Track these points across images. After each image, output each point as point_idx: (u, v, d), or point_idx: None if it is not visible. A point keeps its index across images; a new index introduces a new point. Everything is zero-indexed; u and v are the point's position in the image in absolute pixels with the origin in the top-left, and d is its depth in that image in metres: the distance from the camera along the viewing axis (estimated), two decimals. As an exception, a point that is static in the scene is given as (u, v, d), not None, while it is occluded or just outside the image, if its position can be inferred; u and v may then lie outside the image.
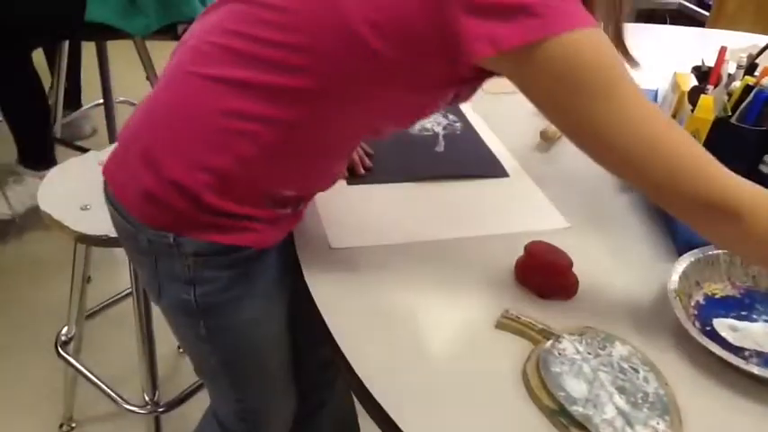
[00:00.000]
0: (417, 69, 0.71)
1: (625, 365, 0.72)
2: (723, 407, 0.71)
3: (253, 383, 0.96)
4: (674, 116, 1.02)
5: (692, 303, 0.84)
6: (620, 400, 0.67)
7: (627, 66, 0.72)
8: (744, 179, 0.71)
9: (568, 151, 1.17)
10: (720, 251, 0.87)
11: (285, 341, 0.96)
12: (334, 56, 0.70)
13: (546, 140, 1.16)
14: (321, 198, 0.95)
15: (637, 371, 0.71)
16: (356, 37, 0.68)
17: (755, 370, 0.71)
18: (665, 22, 3.21)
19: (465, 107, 1.25)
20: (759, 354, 0.77)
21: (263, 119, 0.73)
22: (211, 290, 0.83)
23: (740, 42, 1.08)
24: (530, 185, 1.07)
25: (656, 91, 1.14)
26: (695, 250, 0.87)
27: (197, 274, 0.81)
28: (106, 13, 1.78)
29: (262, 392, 0.98)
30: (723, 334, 0.79)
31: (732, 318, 0.82)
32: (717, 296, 0.86)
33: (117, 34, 1.84)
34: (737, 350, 0.77)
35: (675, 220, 0.88)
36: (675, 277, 0.83)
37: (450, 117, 1.20)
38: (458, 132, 1.16)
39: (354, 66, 0.70)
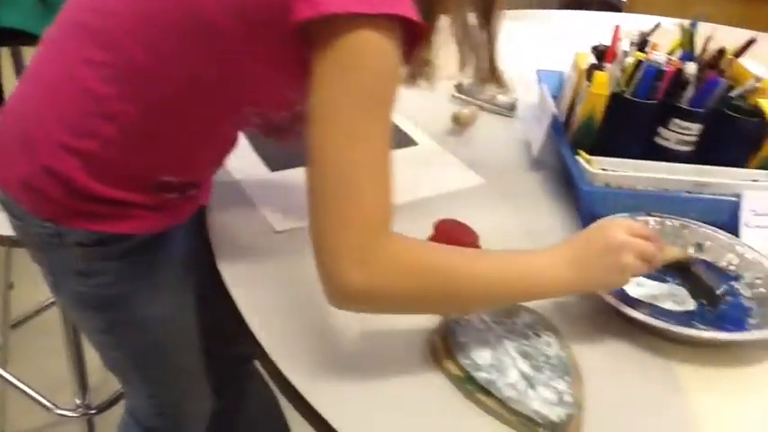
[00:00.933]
0: (255, 43, 0.68)
1: (529, 332, 0.75)
2: (620, 363, 0.76)
3: (164, 378, 0.95)
4: (575, 95, 1.06)
5: None
6: (523, 365, 0.71)
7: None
8: None
9: (482, 135, 1.22)
10: (650, 218, 0.92)
11: (196, 335, 0.96)
12: (174, 34, 0.69)
13: (459, 125, 1.19)
14: (249, 186, 0.97)
15: (539, 336, 0.75)
16: (193, 8, 0.67)
17: (639, 316, 0.77)
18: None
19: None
20: (651, 306, 0.82)
21: (120, 99, 0.72)
22: (105, 282, 0.82)
23: (649, 24, 1.13)
24: (439, 151, 1.11)
25: (561, 72, 1.19)
26: (623, 214, 0.90)
27: (87, 265, 0.80)
28: (19, 18, 1.73)
29: (175, 387, 0.97)
30: (625, 287, 0.84)
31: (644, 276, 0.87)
32: None
33: (32, 39, 1.80)
34: (634, 302, 0.82)
35: (581, 191, 0.92)
36: None
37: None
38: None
39: (190, 41, 0.69)
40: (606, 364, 0.75)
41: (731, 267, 0.88)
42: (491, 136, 1.22)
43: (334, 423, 0.65)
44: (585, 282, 0.73)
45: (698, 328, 0.78)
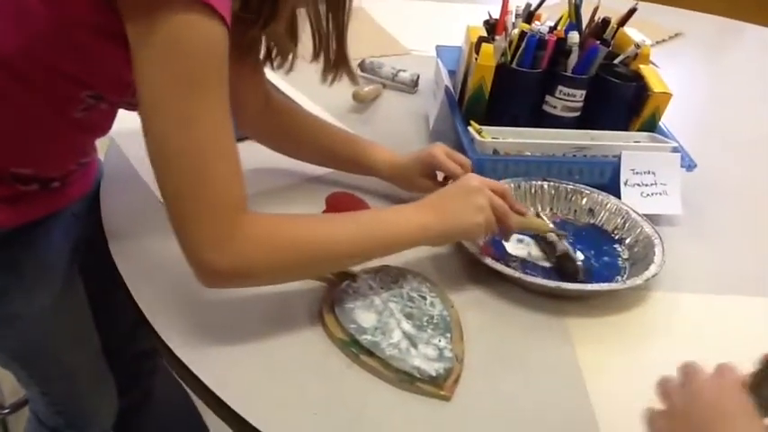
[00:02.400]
0: (65, 19, 0.64)
1: (414, 294, 0.78)
2: (499, 318, 0.79)
3: (53, 377, 0.93)
4: (467, 68, 1.09)
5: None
6: (406, 325, 0.73)
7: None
8: None
9: (383, 111, 1.24)
10: (545, 182, 0.96)
11: (85, 333, 0.94)
12: None
13: (359, 101, 1.21)
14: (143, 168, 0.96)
15: (425, 298, 0.78)
16: None
17: (505, 269, 0.81)
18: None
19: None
20: (524, 262, 0.87)
21: None
22: None
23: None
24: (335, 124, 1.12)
25: (460, 48, 1.22)
26: (517, 179, 0.95)
27: None
28: None
29: (67, 386, 0.96)
30: (505, 243, 0.89)
31: (529, 236, 0.92)
32: None
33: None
34: (510, 259, 0.87)
35: (471, 160, 0.95)
36: None
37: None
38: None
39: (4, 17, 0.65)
40: (486, 320, 0.78)
41: (616, 231, 0.93)
42: (392, 112, 1.24)
43: (217, 391, 0.66)
44: (444, 222, 0.76)
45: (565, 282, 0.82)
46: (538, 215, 0.92)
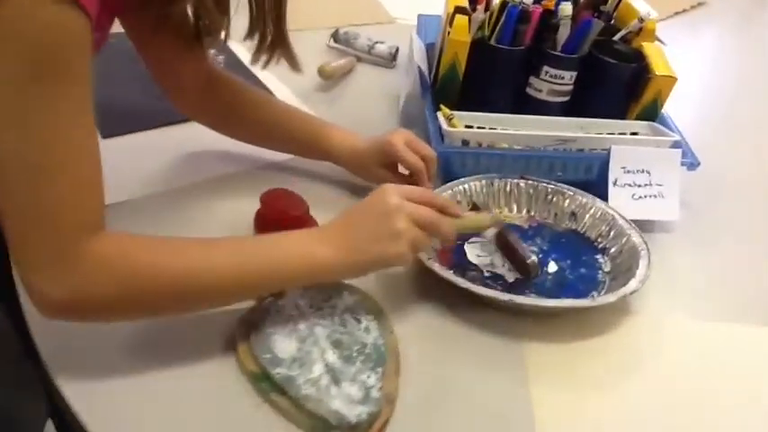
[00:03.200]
0: None
1: (347, 317, 0.66)
2: (448, 346, 0.67)
3: None
4: (441, 43, 0.95)
5: None
6: (331, 356, 0.62)
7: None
8: None
9: (354, 88, 1.12)
10: (522, 180, 0.84)
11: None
12: None
13: (325, 78, 1.08)
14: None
15: (359, 321, 0.66)
16: None
17: (458, 281, 0.68)
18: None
19: (235, 45, 1.14)
20: (488, 272, 0.75)
21: None
22: None
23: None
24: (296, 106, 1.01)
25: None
26: (490, 175, 0.83)
27: None
28: None
29: None
30: (466, 250, 0.78)
31: None
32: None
33: None
34: (468, 267, 0.76)
35: (436, 152, 0.83)
36: None
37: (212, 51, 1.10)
38: (221, 65, 1.06)
39: None
40: (431, 347, 0.67)
41: (600, 239, 0.80)
42: (365, 89, 1.11)
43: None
44: (350, 257, 0.62)
45: (524, 295, 0.70)
46: (475, 207, 0.80)
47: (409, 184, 0.77)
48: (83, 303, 0.52)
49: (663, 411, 0.62)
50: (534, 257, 0.74)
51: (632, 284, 0.70)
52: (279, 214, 0.76)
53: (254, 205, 0.77)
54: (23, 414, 0.92)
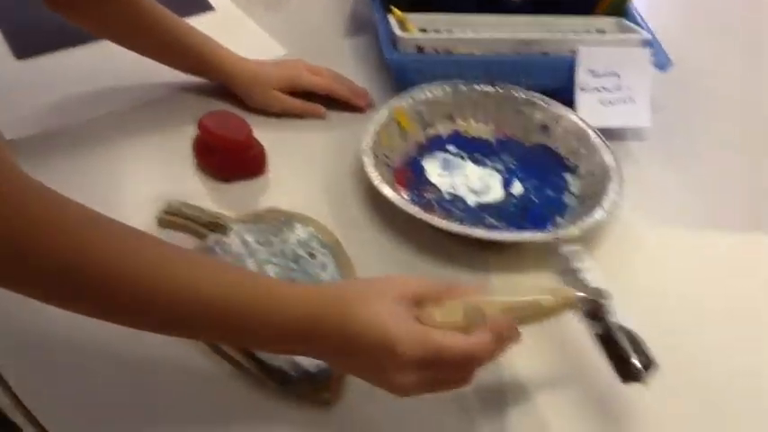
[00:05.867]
0: None
1: (301, 252, 0.61)
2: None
3: None
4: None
5: (424, 138, 0.75)
6: (285, 298, 0.57)
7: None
8: None
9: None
10: (491, 88, 0.77)
11: None
12: None
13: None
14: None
15: (314, 256, 0.61)
16: None
17: (406, 208, 0.64)
18: None
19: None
20: (445, 197, 0.70)
21: None
22: None
23: None
24: (239, 16, 0.93)
25: None
26: (455, 81, 0.76)
27: None
28: None
29: None
30: (426, 166, 0.72)
31: (461, 157, 0.74)
32: (468, 134, 0.77)
33: None
34: (428, 187, 0.71)
35: (387, 60, 0.75)
36: (383, 114, 0.73)
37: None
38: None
39: None
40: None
41: (570, 156, 0.74)
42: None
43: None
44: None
45: (484, 222, 0.66)
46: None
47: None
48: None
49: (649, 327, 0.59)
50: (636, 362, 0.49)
51: (598, 214, 0.64)
52: (220, 139, 0.69)
53: (192, 131, 0.70)
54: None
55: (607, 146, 0.71)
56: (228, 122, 0.69)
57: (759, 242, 0.69)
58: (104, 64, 0.81)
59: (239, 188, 0.69)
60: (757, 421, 0.54)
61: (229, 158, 0.69)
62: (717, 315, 0.62)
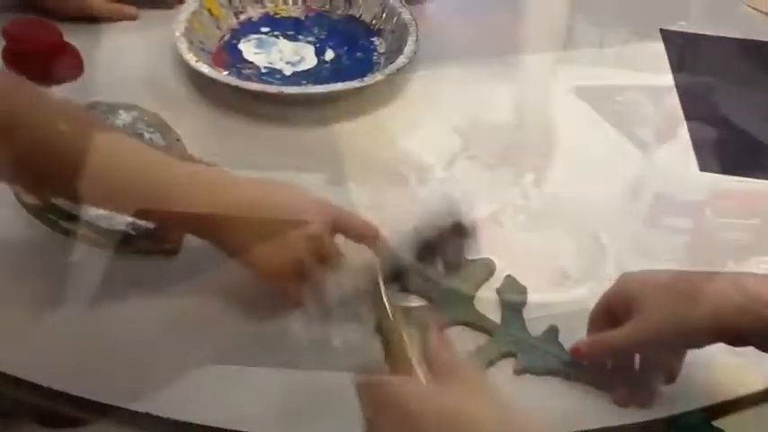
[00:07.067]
0: None
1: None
2: (242, 144, 0.67)
3: None
4: None
5: (237, 23, 0.78)
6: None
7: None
8: None
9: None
10: None
11: None
12: None
13: None
14: None
15: (142, 135, 0.64)
16: None
17: (232, 81, 0.69)
18: None
19: None
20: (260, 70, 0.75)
21: None
22: None
23: None
24: None
25: None
26: None
27: None
28: None
29: None
30: (242, 48, 0.76)
31: (275, 36, 0.78)
32: (278, 15, 0.80)
33: None
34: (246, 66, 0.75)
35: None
36: (192, 4, 0.75)
37: None
38: None
39: None
40: (222, 147, 0.66)
41: (375, 21, 0.80)
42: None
43: None
44: None
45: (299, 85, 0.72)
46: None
47: None
48: None
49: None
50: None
51: (400, 60, 0.72)
52: (29, 45, 0.69)
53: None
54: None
55: (405, 6, 0.78)
56: (35, 28, 0.70)
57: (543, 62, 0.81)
58: None
59: (59, 91, 0.69)
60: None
61: (42, 63, 0.69)
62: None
